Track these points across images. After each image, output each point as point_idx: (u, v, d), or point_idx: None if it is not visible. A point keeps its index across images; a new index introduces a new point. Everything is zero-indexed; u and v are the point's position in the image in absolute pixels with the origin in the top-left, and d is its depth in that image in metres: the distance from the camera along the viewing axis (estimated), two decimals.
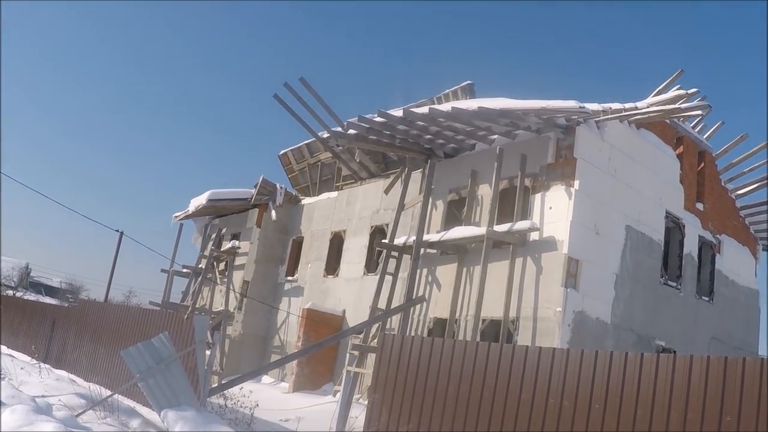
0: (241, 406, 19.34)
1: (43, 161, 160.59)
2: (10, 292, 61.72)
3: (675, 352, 21.84)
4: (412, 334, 23.17)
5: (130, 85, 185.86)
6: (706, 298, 26.01)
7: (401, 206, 25.66)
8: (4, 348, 31.52)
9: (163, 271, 39.80)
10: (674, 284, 24.25)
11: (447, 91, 28.13)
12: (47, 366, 26.55)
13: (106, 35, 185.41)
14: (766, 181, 28.01)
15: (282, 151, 38.03)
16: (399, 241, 24.80)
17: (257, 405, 19.61)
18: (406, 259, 24.46)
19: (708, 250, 26.60)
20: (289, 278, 33.12)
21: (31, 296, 68.32)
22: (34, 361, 27.82)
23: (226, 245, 36.43)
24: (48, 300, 68.71)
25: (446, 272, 23.66)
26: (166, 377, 15.66)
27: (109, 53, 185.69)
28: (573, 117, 20.76)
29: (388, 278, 24.85)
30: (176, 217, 39.97)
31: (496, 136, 23.27)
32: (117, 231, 36.31)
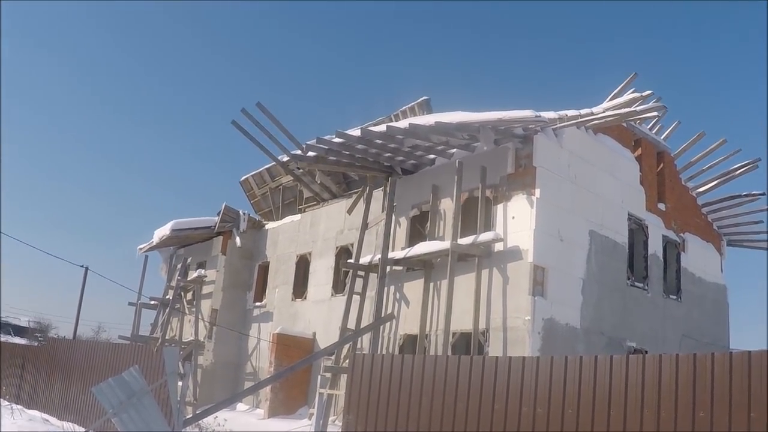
0: None
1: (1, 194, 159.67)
2: None
3: (646, 352, 22.00)
4: (383, 352, 23.16)
5: (84, 113, 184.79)
6: (674, 297, 26.14)
7: (365, 225, 25.65)
8: None
9: (130, 304, 39.62)
10: (641, 285, 24.36)
11: (404, 107, 28.19)
12: (19, 407, 26.38)
13: (59, 52, 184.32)
14: (725, 178, 28.23)
15: (243, 177, 37.95)
16: (365, 260, 24.77)
17: None
18: (373, 277, 24.43)
19: (673, 249, 26.74)
20: (258, 304, 32.97)
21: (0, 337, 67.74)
22: (6, 402, 27.61)
23: (193, 275, 36.33)
24: (17, 340, 68.24)
25: (413, 288, 23.66)
26: (139, 411, 15.54)
27: (62, 73, 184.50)
28: (530, 126, 20.85)
29: (356, 298, 24.79)
30: (141, 249, 39.80)
31: (455, 150, 23.34)
32: (81, 266, 36.00)
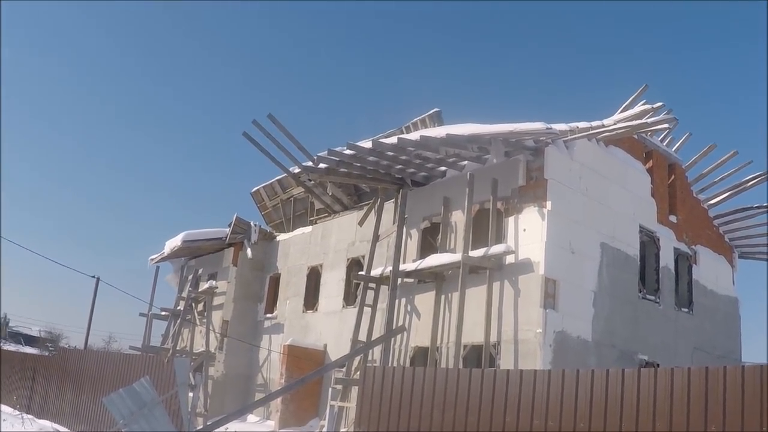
0: None
1: (10, 202, 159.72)
2: None
3: (658, 365, 21.95)
4: (394, 364, 23.13)
5: (96, 120, 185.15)
6: (686, 310, 26.06)
7: (376, 237, 25.66)
8: None
9: (141, 314, 39.65)
10: (653, 298, 24.30)
11: (415, 119, 28.22)
12: (30, 416, 26.39)
13: (67, 62, 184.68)
14: (736, 190, 28.17)
15: (254, 189, 38.02)
16: (376, 272, 24.76)
17: None
18: (384, 289, 24.42)
19: (684, 262, 26.68)
20: (269, 315, 32.96)
21: (11, 347, 67.75)
22: (17, 412, 27.63)
23: (204, 286, 36.35)
24: (28, 349, 68.24)
25: (425, 300, 23.64)
26: (150, 422, 15.57)
27: (71, 84, 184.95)
28: (541, 138, 20.85)
29: (367, 310, 24.77)
30: (152, 260, 39.83)
31: (466, 162, 23.34)
32: (93, 277, 35.99)
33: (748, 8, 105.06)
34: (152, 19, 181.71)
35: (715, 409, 9.52)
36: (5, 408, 29.52)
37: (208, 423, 21.70)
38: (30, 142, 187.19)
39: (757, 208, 28.63)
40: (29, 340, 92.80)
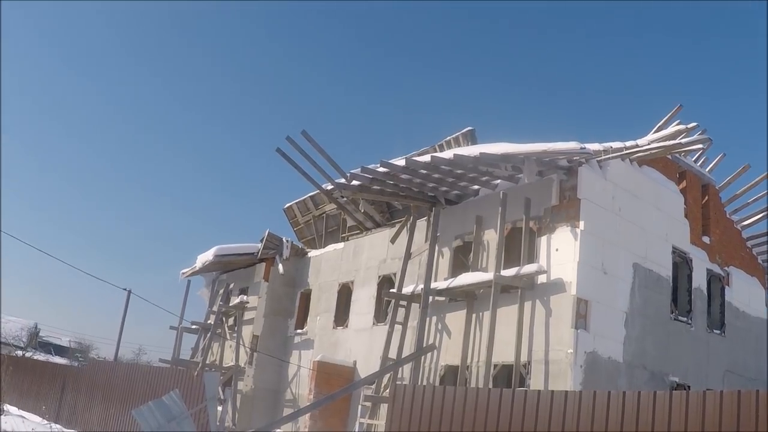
0: None
1: (46, 217, 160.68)
2: (20, 353, 61.53)
3: (689, 387, 21.86)
4: (424, 382, 23.10)
5: (131, 140, 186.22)
6: (718, 332, 25.92)
7: (408, 255, 25.66)
8: (14, 409, 31.51)
9: (172, 328, 39.84)
10: (685, 319, 24.19)
11: (448, 138, 28.22)
12: (59, 426, 26.54)
13: (104, 89, 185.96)
14: None
15: (287, 205, 38.10)
16: (407, 289, 24.76)
17: None
18: (415, 307, 24.40)
19: (717, 283, 26.55)
20: (299, 331, 32.98)
21: (41, 356, 68.14)
22: (45, 422, 27.81)
23: (235, 300, 36.47)
24: (58, 359, 68.63)
25: (455, 319, 23.61)
26: None
27: (108, 107, 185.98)
28: (574, 158, 20.83)
29: (398, 327, 24.76)
30: (183, 273, 39.99)
31: (499, 181, 23.38)
32: (125, 289, 36.24)
33: None
34: (181, 40, 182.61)
35: None
36: (34, 417, 29.72)
37: None
38: (69, 160, 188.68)
39: None
40: (59, 350, 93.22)
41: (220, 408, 17.94)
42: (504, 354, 20.88)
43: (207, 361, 35.33)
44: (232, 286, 38.08)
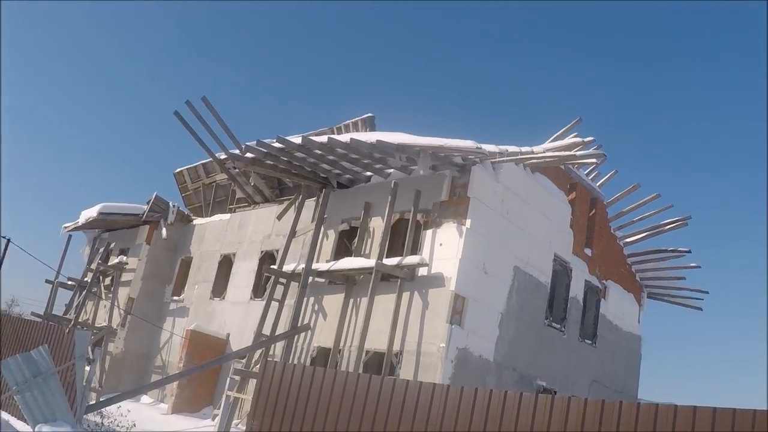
0: (117, 426, 19.02)
1: None
2: None
3: (555, 392, 22.14)
4: (296, 362, 23.02)
5: (20, 89, 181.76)
6: (589, 342, 26.38)
7: (293, 233, 25.54)
8: None
9: (47, 281, 39.12)
10: (558, 326, 24.56)
11: (347, 121, 28.18)
12: None
13: None
14: (654, 231, 28.56)
15: (177, 170, 37.59)
16: (288, 267, 24.63)
17: (134, 425, 19.32)
18: (294, 286, 24.32)
19: (593, 295, 26.99)
20: (176, 298, 32.67)
21: None
22: None
23: (114, 260, 35.93)
24: None
25: (333, 302, 23.59)
26: (43, 391, 15.32)
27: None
28: (469, 157, 20.91)
29: (275, 304, 24.63)
30: (65, 228, 39.26)
31: (392, 171, 23.37)
32: (4, 237, 35.48)
33: (691, 53, 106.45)
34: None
35: None
36: None
37: (102, 399, 21.42)
38: None
39: (672, 251, 29.12)
40: None
41: (88, 368, 17.60)
42: (377, 341, 20.91)
43: (80, 320, 34.71)
44: (113, 245, 37.48)
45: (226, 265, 30.66)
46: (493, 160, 21.82)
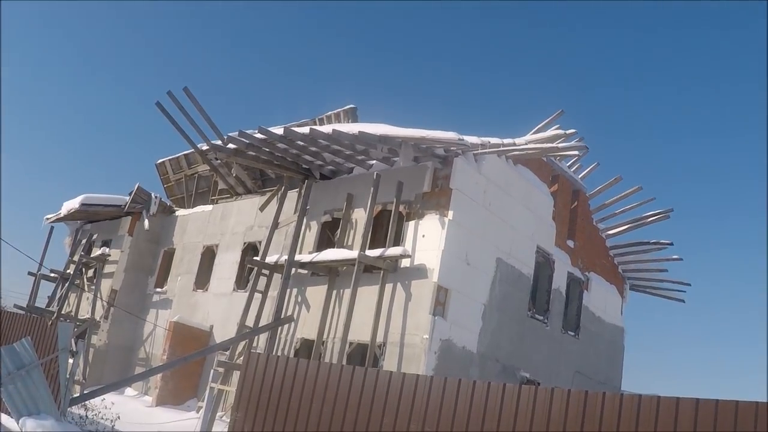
0: (102, 418, 19.03)
1: None
2: None
3: (539, 383, 22.21)
4: (279, 353, 23.04)
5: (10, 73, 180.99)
6: (572, 333, 26.46)
7: (275, 224, 25.53)
8: None
9: (30, 274, 39.04)
10: (541, 318, 24.62)
11: (329, 113, 28.19)
12: None
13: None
14: (636, 224, 28.62)
15: (159, 160, 37.49)
16: (271, 259, 24.62)
17: (119, 418, 19.33)
18: (277, 277, 24.33)
19: (576, 287, 27.06)
20: (158, 290, 32.61)
21: None
22: None
23: (96, 252, 35.84)
24: None
25: (316, 293, 23.59)
26: (27, 384, 15.28)
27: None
28: (452, 148, 20.92)
29: (258, 296, 24.62)
30: (47, 219, 39.11)
31: (374, 162, 23.37)
32: None
33: (673, 45, 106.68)
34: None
35: None
36: None
37: (86, 392, 21.39)
38: None
39: (654, 244, 29.20)
40: None
41: (71, 360, 17.56)
42: (360, 333, 20.93)
43: (62, 312, 34.62)
44: (95, 237, 37.37)
45: (208, 256, 30.62)
46: (475, 151, 21.81)
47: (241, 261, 28.15)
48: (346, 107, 27.82)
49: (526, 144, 22.87)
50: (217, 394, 22.61)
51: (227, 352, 24.18)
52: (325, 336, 22.38)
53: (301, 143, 22.80)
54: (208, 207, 32.33)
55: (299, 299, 24.25)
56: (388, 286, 21.16)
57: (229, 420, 16.13)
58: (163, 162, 37.35)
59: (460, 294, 20.82)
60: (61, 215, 37.43)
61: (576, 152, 23.01)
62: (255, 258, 25.26)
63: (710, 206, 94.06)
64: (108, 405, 19.75)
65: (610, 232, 29.30)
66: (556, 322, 25.47)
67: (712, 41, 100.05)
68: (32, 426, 14.47)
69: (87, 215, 37.11)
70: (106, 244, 36.12)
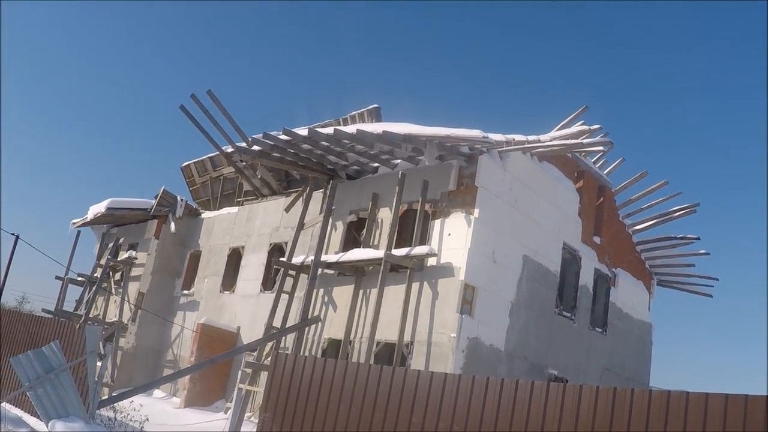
0: (130, 420, 19.03)
1: None
2: None
3: (567, 381, 22.09)
4: (306, 353, 23.05)
5: (22, 85, 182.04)
6: (600, 330, 26.36)
7: (301, 225, 25.55)
8: None
9: (57, 278, 39.20)
10: (569, 315, 24.53)
11: (353, 113, 28.18)
12: None
13: None
14: (662, 219, 28.51)
15: (185, 163, 37.59)
16: (297, 260, 24.65)
17: (147, 419, 19.35)
18: (304, 278, 24.32)
19: (603, 283, 26.96)
20: (185, 292, 32.73)
21: None
22: None
23: (123, 255, 35.98)
24: None
25: (343, 293, 23.60)
26: (56, 387, 15.37)
27: None
28: (476, 146, 20.88)
29: (285, 297, 24.67)
30: (74, 223, 39.33)
31: (399, 161, 23.35)
32: (12, 234, 35.52)
33: (699, 44, 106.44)
34: None
35: (620, 430, 9.59)
36: None
37: (114, 394, 21.45)
38: None
39: (681, 239, 29.08)
40: None
41: (99, 363, 17.63)
42: (388, 332, 20.93)
43: (90, 315, 34.75)
44: (122, 240, 37.55)
45: (235, 258, 30.68)
46: (499, 149, 21.77)
47: (268, 262, 28.19)
48: (369, 107, 27.81)
49: (550, 140, 22.77)
50: (245, 395, 22.62)
51: (255, 353, 24.24)
52: (352, 336, 22.39)
53: (326, 144, 22.82)
54: (234, 209, 32.40)
55: (326, 299, 24.25)
56: (415, 285, 21.13)
57: (257, 421, 16.13)
58: (188, 165, 37.47)
59: (487, 292, 20.77)
60: (88, 219, 37.59)
61: (601, 148, 22.93)
62: (281, 259, 25.28)
63: (738, 199, 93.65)
64: (136, 407, 19.80)
65: (637, 227, 29.19)
66: (584, 318, 25.39)
67: (743, 19, 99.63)
68: (61, 428, 14.55)
69: (113, 219, 37.29)
70: (133, 247, 36.27)
